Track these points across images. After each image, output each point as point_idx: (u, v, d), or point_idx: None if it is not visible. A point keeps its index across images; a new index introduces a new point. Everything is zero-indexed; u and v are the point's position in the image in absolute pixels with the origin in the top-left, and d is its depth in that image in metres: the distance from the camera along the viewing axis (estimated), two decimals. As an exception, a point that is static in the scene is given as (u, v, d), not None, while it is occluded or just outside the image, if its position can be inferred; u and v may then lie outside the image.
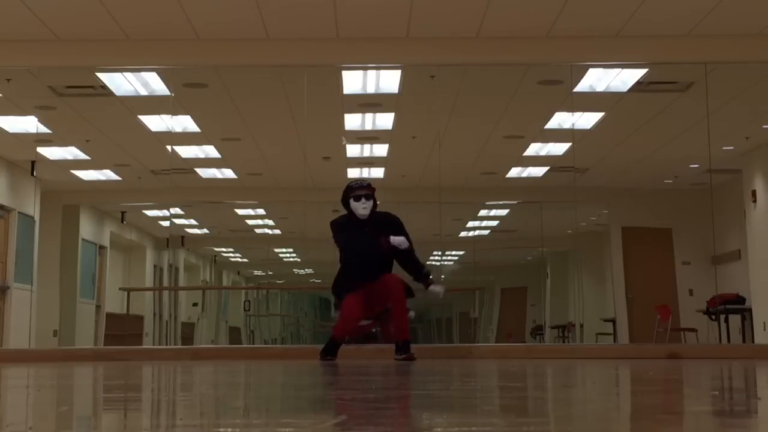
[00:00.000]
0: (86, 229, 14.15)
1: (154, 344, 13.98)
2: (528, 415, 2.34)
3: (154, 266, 15.91)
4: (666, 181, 13.79)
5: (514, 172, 13.24)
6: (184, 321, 15.61)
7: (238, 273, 19.55)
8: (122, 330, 13.67)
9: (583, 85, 9.67)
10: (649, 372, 4.74)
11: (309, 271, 19.62)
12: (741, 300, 12.02)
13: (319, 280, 19.88)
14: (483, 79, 9.68)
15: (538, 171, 13.24)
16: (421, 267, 6.69)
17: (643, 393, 3.13)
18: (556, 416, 2.28)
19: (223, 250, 18.44)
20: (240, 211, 15.66)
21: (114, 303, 14.49)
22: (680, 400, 2.86)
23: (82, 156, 12.27)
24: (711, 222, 10.30)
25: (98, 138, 11.59)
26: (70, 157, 12.31)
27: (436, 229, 12.15)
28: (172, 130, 10.94)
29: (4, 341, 11.36)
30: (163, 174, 12.15)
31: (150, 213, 15.34)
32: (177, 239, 15.46)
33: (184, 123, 10.99)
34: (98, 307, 14.44)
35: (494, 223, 16.35)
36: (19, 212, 12.08)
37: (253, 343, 16.71)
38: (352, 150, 12.18)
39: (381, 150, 12.06)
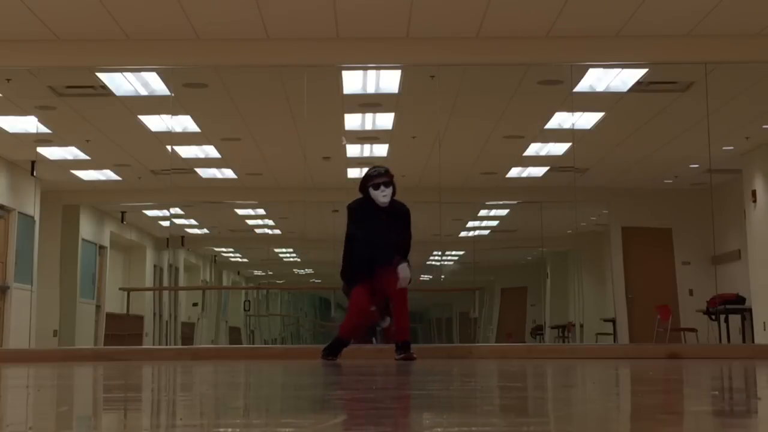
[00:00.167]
0: (86, 229, 14.15)
1: (154, 344, 13.97)
2: (528, 415, 2.34)
3: (154, 266, 15.91)
4: (666, 181, 13.79)
5: (514, 172, 13.24)
6: (184, 321, 15.61)
7: (238, 273, 19.55)
8: (122, 330, 13.67)
9: (583, 85, 9.67)
10: (649, 372, 4.74)
11: (309, 271, 19.62)
12: (741, 300, 12.02)
13: (319, 280, 19.89)
14: (483, 79, 9.68)
15: (538, 171, 13.24)
16: (407, 251, 6.67)
17: (643, 393, 3.13)
18: (556, 416, 2.28)
19: (223, 250, 18.44)
20: (240, 211, 15.66)
21: (114, 303, 14.49)
22: (680, 400, 2.86)
23: (82, 156, 12.28)
24: (711, 222, 10.30)
25: (98, 138, 11.59)
26: (70, 157, 12.31)
27: (436, 229, 12.16)
28: (172, 130, 10.94)
29: (4, 341, 11.36)
30: (163, 174, 12.14)
31: (150, 213, 15.35)
32: (177, 239, 15.45)
33: (184, 123, 10.98)
34: (98, 307, 14.44)
35: (494, 223, 16.35)
36: (19, 212, 12.08)
37: (253, 343, 16.71)
38: (352, 150, 12.18)
39: (381, 150, 12.06)
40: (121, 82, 9.62)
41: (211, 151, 12.23)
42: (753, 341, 11.45)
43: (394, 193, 6.58)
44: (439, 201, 10.42)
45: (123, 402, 2.91)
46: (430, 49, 8.75)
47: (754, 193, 11.71)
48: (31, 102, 10.35)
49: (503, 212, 15.78)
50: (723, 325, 11.82)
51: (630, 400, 2.88)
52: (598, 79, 9.65)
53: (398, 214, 6.63)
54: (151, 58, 8.92)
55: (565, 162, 11.91)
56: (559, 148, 12.09)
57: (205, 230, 17.03)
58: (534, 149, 12.25)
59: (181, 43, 8.71)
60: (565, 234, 15.49)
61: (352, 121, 11.07)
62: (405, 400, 2.81)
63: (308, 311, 22.08)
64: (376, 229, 6.49)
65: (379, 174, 6.56)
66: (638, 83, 9.62)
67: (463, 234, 16.45)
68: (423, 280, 16.18)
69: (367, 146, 12.11)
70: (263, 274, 19.78)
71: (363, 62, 9.18)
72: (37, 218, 12.33)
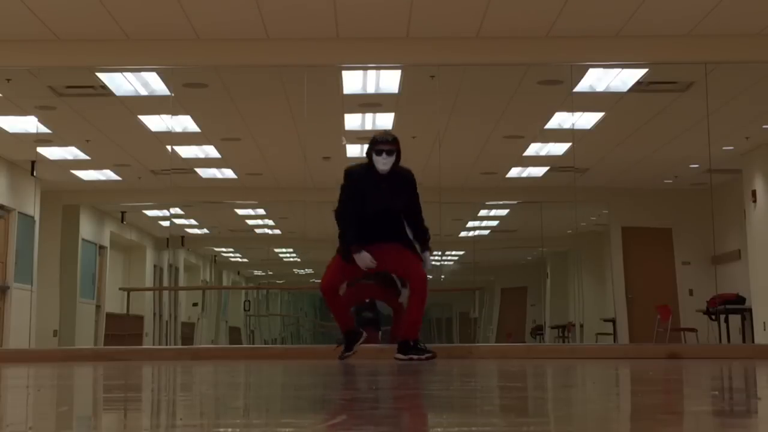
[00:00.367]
0: (86, 229, 14.15)
1: (154, 344, 13.97)
2: (528, 415, 2.34)
3: (154, 266, 15.91)
4: (666, 181, 13.79)
5: (514, 172, 13.24)
6: (184, 321, 15.60)
7: (238, 273, 19.55)
8: (122, 330, 13.67)
9: (583, 85, 9.67)
10: (649, 372, 4.74)
11: (309, 271, 19.60)
12: (741, 300, 12.02)
13: (319, 280, 19.87)
14: (483, 79, 9.68)
15: (538, 171, 13.24)
16: (426, 230, 6.43)
17: (643, 393, 3.12)
18: (556, 416, 2.28)
19: (223, 250, 18.44)
20: (240, 211, 15.65)
21: (114, 303, 14.48)
22: (680, 400, 2.86)
23: (82, 156, 12.28)
24: (711, 222, 10.30)
25: (98, 138, 11.59)
26: (70, 157, 12.31)
27: (436, 229, 12.11)
28: (172, 130, 10.94)
29: (4, 341, 11.36)
30: (163, 174, 12.14)
31: (150, 213, 15.34)
32: (177, 239, 15.45)
33: (184, 123, 10.99)
34: (98, 307, 14.44)
35: (494, 223, 16.35)
36: (19, 212, 12.08)
37: (253, 343, 16.70)
38: (352, 150, 12.17)
39: (381, 150, 12.03)
40: (121, 82, 9.62)
41: (211, 151, 12.23)
42: (753, 341, 11.45)
43: (397, 162, 6.31)
44: (439, 201, 10.42)
45: (123, 402, 2.91)
46: (430, 49, 8.75)
47: (754, 193, 11.71)
48: (31, 102, 10.35)
49: (503, 212, 15.78)
50: (723, 325, 11.82)
51: (630, 400, 2.88)
52: (598, 79, 9.65)
53: (401, 180, 6.32)
54: (151, 58, 8.92)
55: (565, 162, 11.91)
56: (559, 148, 12.09)
57: (205, 230, 17.03)
58: (534, 149, 12.26)
59: (181, 43, 8.71)
60: (565, 234, 15.48)
61: (352, 121, 11.07)
62: (405, 400, 2.81)
63: (308, 311, 22.07)
64: (374, 198, 6.23)
65: (384, 141, 6.30)
66: (638, 83, 9.62)
67: (463, 234, 16.44)
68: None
69: (367, 146, 12.09)
70: (263, 274, 19.77)
71: (363, 62, 9.18)
72: (37, 218, 12.33)
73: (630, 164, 12.87)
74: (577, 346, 10.09)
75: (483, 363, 6.37)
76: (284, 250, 18.41)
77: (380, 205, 6.27)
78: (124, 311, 13.43)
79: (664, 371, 4.78)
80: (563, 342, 14.64)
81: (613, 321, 13.65)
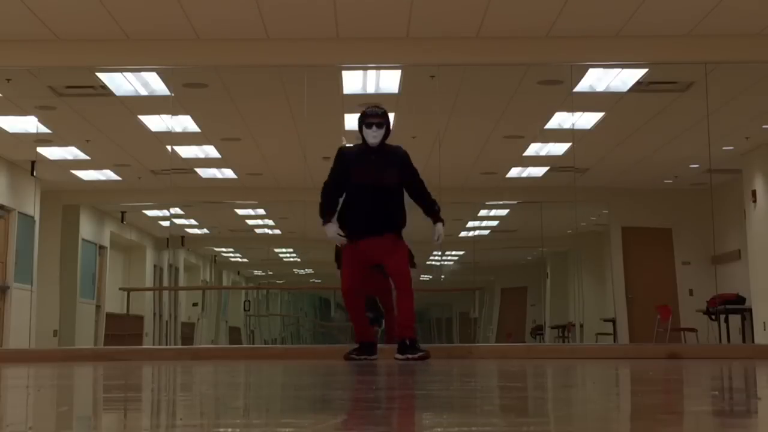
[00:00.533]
0: (86, 229, 14.15)
1: (154, 344, 13.97)
2: (528, 415, 2.34)
3: (154, 266, 15.91)
4: (666, 181, 13.79)
5: (514, 172, 13.24)
6: (184, 321, 15.61)
7: (238, 273, 19.55)
8: (122, 330, 13.67)
9: (583, 85, 9.67)
10: (649, 372, 4.74)
11: (309, 271, 19.61)
12: (741, 300, 12.02)
13: (319, 280, 19.89)
14: (483, 79, 9.68)
15: (538, 171, 13.24)
16: (433, 202, 6.48)
17: (643, 393, 3.12)
18: (556, 416, 2.28)
19: (223, 250, 18.44)
20: (240, 211, 15.66)
21: (114, 303, 14.49)
22: (680, 400, 2.86)
23: (82, 156, 12.28)
24: (711, 222, 10.30)
25: (98, 138, 11.59)
26: (70, 157, 12.31)
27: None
28: (172, 130, 10.94)
29: (4, 341, 11.36)
30: (163, 174, 12.14)
31: (150, 213, 15.35)
32: (177, 239, 15.45)
33: (184, 123, 10.99)
34: (98, 307, 14.44)
35: (494, 223, 16.35)
36: (19, 212, 12.08)
37: (253, 343, 16.71)
38: (352, 150, 12.16)
39: (381, 150, 12.03)
40: (121, 82, 9.62)
41: (211, 151, 12.23)
42: (753, 341, 11.45)
43: (386, 136, 6.36)
44: (439, 201, 10.41)
45: (123, 402, 2.91)
46: (430, 49, 8.75)
47: (754, 193, 11.71)
48: (31, 102, 10.35)
49: (503, 212, 15.78)
50: (723, 325, 11.82)
51: (630, 400, 2.88)
52: (598, 79, 9.65)
53: (391, 156, 6.35)
54: (151, 58, 8.92)
55: (565, 162, 11.91)
56: (559, 148, 12.09)
57: (205, 230, 17.03)
58: (534, 149, 12.25)
59: (181, 43, 8.71)
60: (565, 234, 15.49)
61: (352, 121, 11.04)
62: (405, 400, 2.81)
63: (308, 311, 22.08)
64: (362, 171, 6.26)
65: (374, 114, 6.35)
66: (638, 83, 9.62)
67: (463, 234, 16.44)
68: (423, 280, 16.17)
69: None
70: (263, 274, 19.78)
71: (363, 62, 9.18)
72: (37, 218, 12.33)
73: (630, 164, 12.87)
74: (577, 346, 10.09)
75: (483, 363, 6.37)
76: (284, 250, 18.41)
77: (369, 178, 6.29)
78: (124, 311, 13.43)
79: (664, 371, 4.78)
80: (563, 342, 14.64)
81: (613, 321, 13.65)
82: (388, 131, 6.39)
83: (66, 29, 8.38)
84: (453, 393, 3.17)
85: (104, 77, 9.45)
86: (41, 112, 10.55)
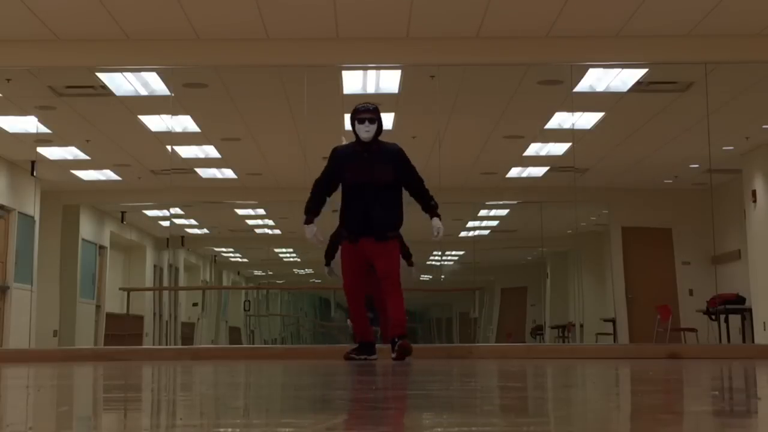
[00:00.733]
0: (86, 229, 14.16)
1: (154, 344, 13.98)
2: (528, 415, 2.34)
3: (154, 266, 15.91)
4: (666, 181, 13.79)
5: (514, 172, 13.24)
6: (184, 321, 15.61)
7: (238, 273, 19.56)
8: (122, 330, 13.67)
9: (583, 85, 9.67)
10: (649, 372, 4.74)
11: (309, 271, 19.61)
12: (741, 300, 12.02)
13: (319, 280, 19.88)
14: (483, 79, 9.68)
15: (538, 171, 13.24)
16: (430, 198, 6.47)
17: (643, 393, 3.13)
18: (556, 416, 2.28)
19: (223, 250, 18.45)
20: (240, 211, 15.66)
21: (114, 303, 14.49)
22: (680, 400, 2.86)
23: (82, 156, 12.28)
24: (711, 222, 10.30)
25: (98, 138, 11.59)
26: (70, 157, 12.31)
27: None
28: (172, 130, 10.94)
29: (4, 341, 11.36)
30: (163, 174, 12.15)
31: (150, 213, 15.35)
32: (177, 239, 15.46)
33: (184, 123, 10.99)
34: (98, 307, 14.45)
35: (494, 223, 16.35)
36: (19, 212, 12.08)
37: (253, 343, 16.71)
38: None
39: (381, 150, 12.03)
40: (121, 82, 9.62)
41: (211, 151, 12.23)
42: (753, 341, 11.45)
43: (378, 132, 6.35)
44: (439, 201, 10.42)
45: (123, 402, 2.91)
46: (430, 49, 8.75)
47: (754, 193, 11.71)
48: (31, 102, 10.35)
49: (503, 212, 15.78)
50: (723, 325, 11.83)
51: (630, 400, 2.88)
52: (598, 79, 9.65)
53: (385, 153, 6.35)
54: (151, 58, 8.92)
55: (565, 162, 11.91)
56: (559, 148, 12.09)
57: (205, 230, 17.03)
58: (534, 149, 12.25)
59: (181, 43, 8.71)
60: (565, 234, 15.49)
61: (352, 121, 11.05)
62: (405, 400, 2.81)
63: (308, 311, 22.08)
64: (356, 168, 6.26)
65: (366, 109, 6.36)
66: (638, 83, 9.62)
67: (463, 234, 16.45)
68: (423, 280, 16.18)
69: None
70: (263, 274, 19.78)
71: (363, 62, 9.18)
72: (37, 218, 12.34)
73: (630, 164, 12.87)
74: (577, 346, 10.09)
75: (483, 363, 6.37)
76: (284, 250, 18.41)
77: (362, 175, 6.29)
78: (124, 311, 13.43)
79: (664, 371, 4.78)
80: (563, 342, 14.64)
81: (613, 321, 13.65)
82: (380, 127, 6.39)
83: (66, 29, 8.38)
84: (453, 393, 3.17)
85: (104, 77, 9.46)
86: (41, 112, 10.55)
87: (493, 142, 11.75)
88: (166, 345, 14.11)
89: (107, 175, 13.37)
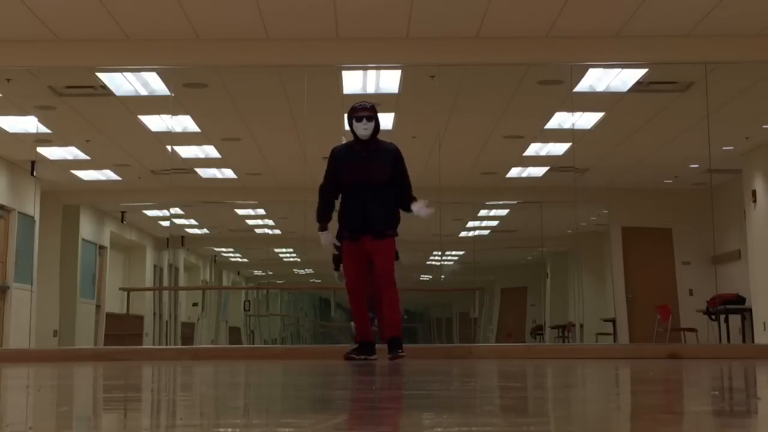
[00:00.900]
0: (86, 229, 14.16)
1: (154, 344, 13.97)
2: (528, 415, 2.34)
3: (154, 266, 15.91)
4: (666, 181, 13.79)
5: (514, 172, 13.24)
6: (184, 321, 15.60)
7: (238, 273, 19.55)
8: (122, 330, 13.67)
9: (583, 85, 9.67)
10: (649, 372, 4.74)
11: (309, 271, 19.61)
12: (741, 300, 12.02)
13: (319, 280, 19.89)
14: (483, 79, 9.68)
15: (538, 171, 13.24)
16: (409, 199, 6.37)
17: (643, 393, 3.13)
18: (556, 416, 2.28)
19: (223, 250, 18.44)
20: (240, 211, 15.65)
21: (114, 303, 14.49)
22: (680, 400, 2.86)
23: (82, 156, 12.28)
24: (711, 222, 10.30)
25: (98, 138, 11.59)
26: (70, 157, 12.31)
27: (436, 229, 12.15)
28: (172, 130, 10.94)
29: (4, 341, 11.36)
30: (163, 174, 12.15)
31: (150, 213, 15.35)
32: (177, 239, 15.45)
33: (184, 123, 10.99)
34: (98, 307, 14.44)
35: (494, 223, 16.35)
36: (19, 212, 12.09)
37: (253, 343, 16.71)
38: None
39: (381, 150, 12.03)
40: (121, 82, 9.62)
41: (211, 151, 12.23)
42: (753, 341, 11.45)
43: (376, 130, 6.37)
44: (439, 201, 10.43)
45: (123, 402, 2.91)
46: (430, 49, 8.75)
47: (754, 193, 11.71)
48: (31, 102, 10.35)
49: (503, 212, 15.78)
50: (723, 325, 11.82)
51: (630, 400, 2.88)
52: (598, 79, 9.65)
53: (384, 152, 6.35)
54: (151, 58, 8.92)
55: (565, 162, 11.91)
56: (559, 148, 12.09)
57: (205, 230, 17.03)
58: (534, 149, 12.25)
59: (181, 43, 8.71)
60: (565, 234, 15.49)
61: (352, 121, 11.05)
62: (405, 400, 2.81)
63: (308, 311, 22.08)
64: (354, 167, 6.28)
65: (363, 107, 6.38)
66: (638, 83, 9.62)
67: (463, 234, 16.45)
68: (423, 280, 16.19)
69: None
70: (263, 274, 19.77)
71: (363, 62, 9.18)
72: (37, 218, 12.34)
73: (630, 164, 12.87)
74: (577, 346, 10.09)
75: (483, 363, 6.37)
76: (284, 250, 18.41)
77: (360, 174, 6.31)
78: (124, 311, 13.44)
79: (664, 371, 4.78)
80: (563, 342, 14.64)
81: (613, 321, 13.65)
82: (377, 125, 6.41)
83: (66, 29, 8.38)
84: (453, 393, 3.17)
85: (104, 77, 9.46)
86: (41, 112, 10.55)
87: (493, 142, 11.76)
88: (166, 345, 14.10)
89: (107, 175, 13.37)
